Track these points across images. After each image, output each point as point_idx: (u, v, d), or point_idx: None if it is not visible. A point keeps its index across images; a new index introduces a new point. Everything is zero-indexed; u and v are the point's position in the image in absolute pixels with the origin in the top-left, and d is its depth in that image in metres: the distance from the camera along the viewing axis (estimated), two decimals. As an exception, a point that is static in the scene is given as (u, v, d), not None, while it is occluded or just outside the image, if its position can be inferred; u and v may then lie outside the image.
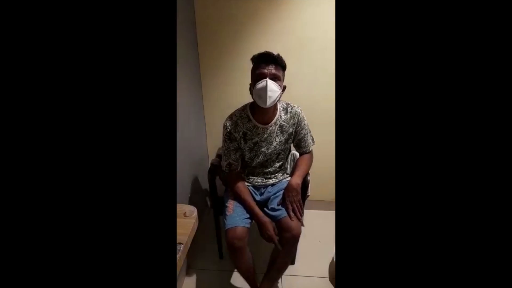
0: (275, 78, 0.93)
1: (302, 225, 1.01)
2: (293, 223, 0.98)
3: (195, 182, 1.43)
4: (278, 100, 0.98)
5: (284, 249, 1.01)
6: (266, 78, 0.92)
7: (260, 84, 0.92)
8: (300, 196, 1.03)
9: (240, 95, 1.21)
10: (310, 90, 1.43)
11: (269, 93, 0.92)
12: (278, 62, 0.94)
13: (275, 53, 0.94)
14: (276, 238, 0.99)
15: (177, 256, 0.55)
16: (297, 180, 1.04)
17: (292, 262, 1.28)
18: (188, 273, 1.27)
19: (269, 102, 0.93)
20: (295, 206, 1.01)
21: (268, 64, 0.93)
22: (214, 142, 1.62)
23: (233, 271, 1.27)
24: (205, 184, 1.54)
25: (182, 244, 0.58)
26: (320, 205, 1.64)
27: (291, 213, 1.00)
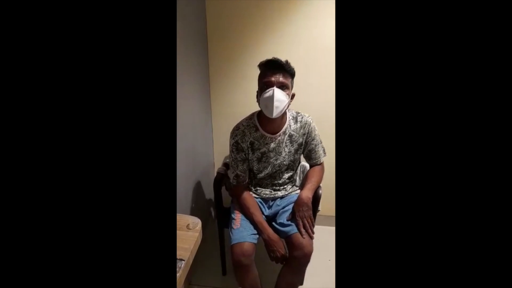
0: (282, 86, 0.89)
1: None
2: (305, 240, 0.91)
3: (200, 191, 1.38)
4: (286, 109, 0.94)
5: (294, 268, 0.94)
6: (273, 86, 0.87)
7: (267, 93, 0.88)
8: (311, 212, 0.97)
9: (249, 102, 1.18)
10: (321, 99, 1.39)
11: (275, 103, 0.86)
12: (286, 69, 0.89)
13: (283, 59, 0.90)
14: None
15: (178, 274, 0.49)
16: (307, 193, 0.97)
17: (301, 283, 1.20)
18: (188, 290, 1.19)
19: (275, 113, 0.88)
20: (306, 222, 0.94)
21: (275, 72, 0.88)
22: (221, 150, 1.58)
23: (237, 289, 1.19)
24: (210, 193, 1.49)
25: (184, 260, 0.52)
26: (331, 220, 1.55)
27: (302, 229, 0.93)
